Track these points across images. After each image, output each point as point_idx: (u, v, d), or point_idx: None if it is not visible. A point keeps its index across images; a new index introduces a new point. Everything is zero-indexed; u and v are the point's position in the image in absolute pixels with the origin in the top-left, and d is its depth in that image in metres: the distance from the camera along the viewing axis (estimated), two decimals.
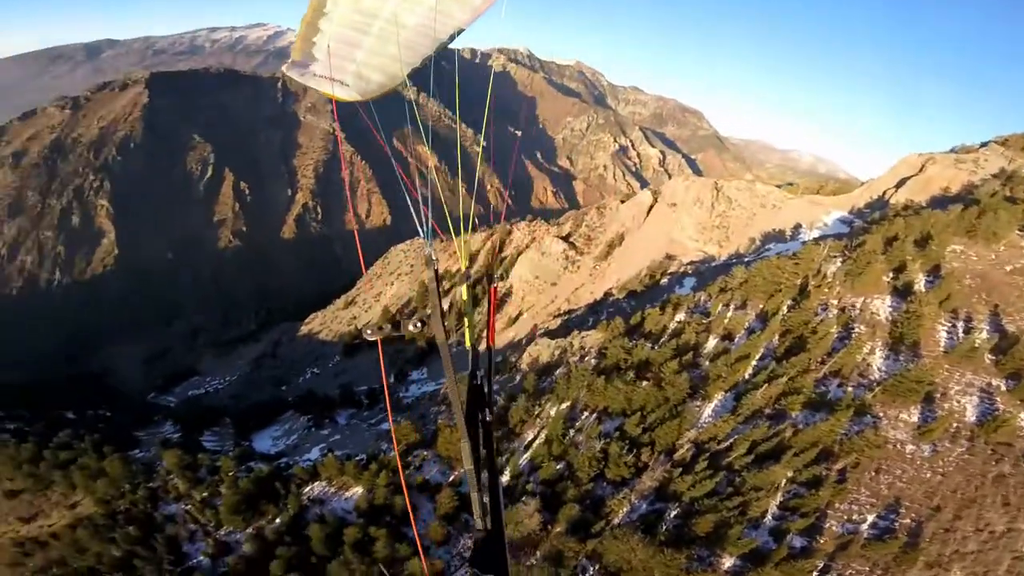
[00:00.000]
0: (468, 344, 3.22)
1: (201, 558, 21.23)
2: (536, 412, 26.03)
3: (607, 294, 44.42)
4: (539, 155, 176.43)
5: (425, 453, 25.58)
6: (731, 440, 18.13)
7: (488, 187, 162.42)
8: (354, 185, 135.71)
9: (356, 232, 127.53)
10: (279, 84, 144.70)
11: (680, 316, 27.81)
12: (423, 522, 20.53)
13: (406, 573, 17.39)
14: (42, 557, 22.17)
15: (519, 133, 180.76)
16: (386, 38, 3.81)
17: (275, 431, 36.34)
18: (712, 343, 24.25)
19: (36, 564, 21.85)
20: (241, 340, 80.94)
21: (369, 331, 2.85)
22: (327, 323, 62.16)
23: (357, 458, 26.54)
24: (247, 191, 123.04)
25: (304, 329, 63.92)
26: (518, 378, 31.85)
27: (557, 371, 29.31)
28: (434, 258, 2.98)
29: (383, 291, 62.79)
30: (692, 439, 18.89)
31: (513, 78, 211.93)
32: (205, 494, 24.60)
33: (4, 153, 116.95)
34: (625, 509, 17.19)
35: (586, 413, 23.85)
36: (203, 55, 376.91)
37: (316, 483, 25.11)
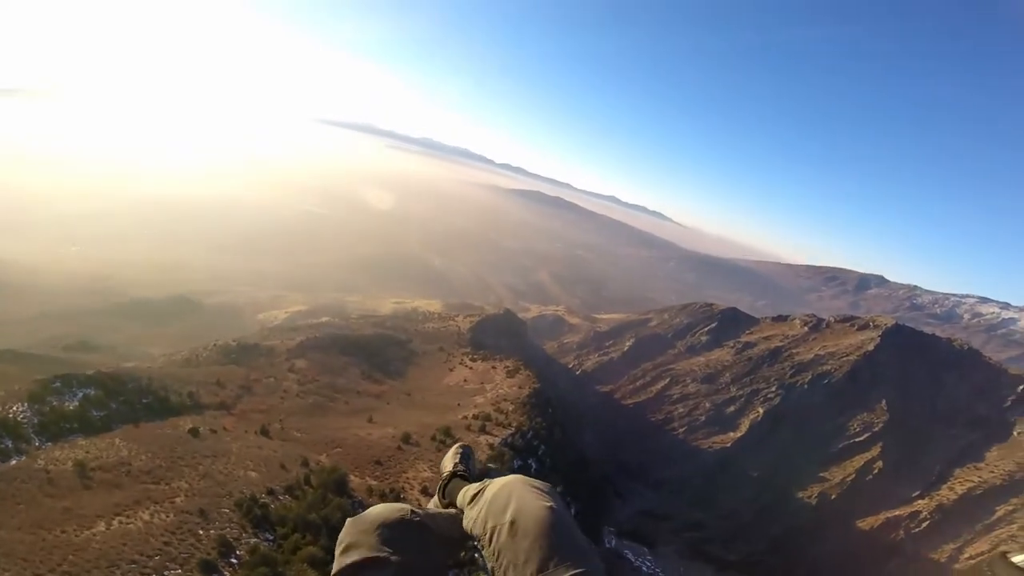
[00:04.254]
0: None
1: None
2: None
3: None
4: None
5: None
6: None
7: None
8: None
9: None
10: (1020, 388, 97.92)
11: None
12: None
13: None
14: None
15: None
16: None
17: None
18: None
19: None
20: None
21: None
22: None
23: None
24: (875, 472, 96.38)
25: None
26: None
27: None
28: None
29: None
30: None
31: None
32: None
33: (743, 340, 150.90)
34: None
35: None
36: (955, 323, 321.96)
37: None
